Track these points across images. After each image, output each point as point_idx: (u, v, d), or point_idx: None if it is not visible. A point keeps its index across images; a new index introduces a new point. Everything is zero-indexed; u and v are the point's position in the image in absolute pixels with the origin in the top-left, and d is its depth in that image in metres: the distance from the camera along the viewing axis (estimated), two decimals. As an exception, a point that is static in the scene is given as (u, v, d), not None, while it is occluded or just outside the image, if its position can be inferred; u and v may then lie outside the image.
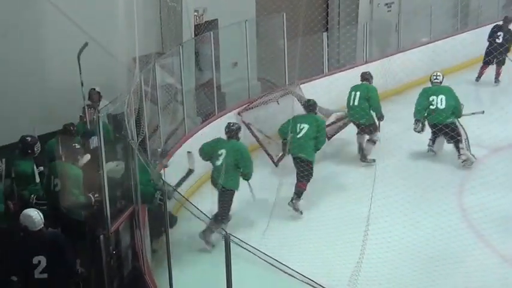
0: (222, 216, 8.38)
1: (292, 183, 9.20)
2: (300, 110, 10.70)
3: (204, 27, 12.06)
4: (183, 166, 8.84)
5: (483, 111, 10.44)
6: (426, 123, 10.46)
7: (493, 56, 13.34)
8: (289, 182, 9.16)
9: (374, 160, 10.26)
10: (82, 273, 6.43)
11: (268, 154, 10.44)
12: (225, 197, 8.42)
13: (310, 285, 3.95)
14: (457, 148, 10.21)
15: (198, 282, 7.21)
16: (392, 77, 11.13)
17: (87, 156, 7.89)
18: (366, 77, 10.89)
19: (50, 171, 7.77)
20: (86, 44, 9.44)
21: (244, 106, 11.25)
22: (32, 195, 7.47)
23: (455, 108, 10.26)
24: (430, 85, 10.69)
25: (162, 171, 8.09)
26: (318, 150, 9.56)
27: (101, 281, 6.79)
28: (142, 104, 8.31)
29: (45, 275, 5.95)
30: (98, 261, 6.81)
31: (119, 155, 8.10)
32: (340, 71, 13.09)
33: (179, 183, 8.39)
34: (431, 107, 10.34)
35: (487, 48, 13.81)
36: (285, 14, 11.89)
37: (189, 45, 11.25)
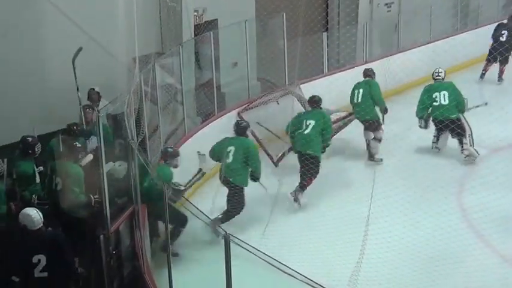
0: (233, 212, 8.51)
1: (292, 183, 9.20)
2: (299, 109, 10.72)
3: (204, 27, 12.06)
4: (183, 166, 8.84)
5: (486, 103, 10.50)
6: (430, 119, 10.53)
7: (497, 52, 13.34)
8: (289, 182, 9.17)
9: (381, 159, 10.36)
10: (82, 273, 6.44)
11: (268, 154, 10.44)
12: (235, 194, 8.53)
13: (310, 285, 3.95)
14: (461, 143, 10.26)
15: (198, 282, 7.20)
16: (392, 77, 11.16)
17: (90, 156, 7.90)
18: (368, 73, 10.96)
19: (51, 170, 7.78)
20: (80, 49, 9.46)
21: (244, 106, 11.25)
22: (34, 196, 7.48)
23: (459, 103, 10.32)
24: (432, 82, 10.74)
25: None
26: (327, 147, 9.63)
27: (101, 281, 6.80)
28: (142, 104, 8.31)
29: (45, 274, 5.96)
30: (98, 261, 6.81)
31: (118, 156, 8.10)
32: (340, 71, 13.08)
33: (190, 184, 8.46)
34: (434, 103, 10.42)
35: (491, 46, 13.82)
36: (284, 14, 11.90)
37: (189, 45, 11.25)
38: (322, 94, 10.46)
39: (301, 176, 9.36)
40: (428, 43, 14.53)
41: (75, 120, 9.30)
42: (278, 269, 4.18)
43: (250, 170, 8.67)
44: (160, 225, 7.59)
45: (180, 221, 7.49)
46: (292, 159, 9.85)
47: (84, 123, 9.20)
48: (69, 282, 6.28)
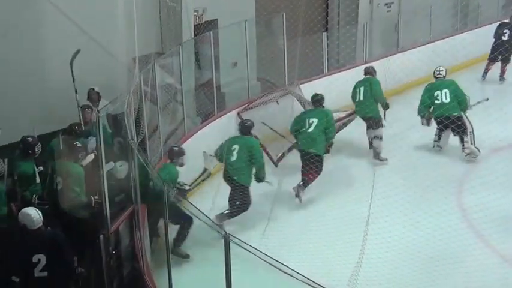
0: (240, 209, 8.58)
1: (292, 183, 9.20)
2: (299, 109, 10.72)
3: (204, 27, 12.06)
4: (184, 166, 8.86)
5: (487, 99, 10.54)
6: (433, 117, 10.59)
7: (498, 52, 13.40)
8: (289, 181, 9.17)
9: (387, 159, 10.39)
10: (82, 273, 6.43)
11: (268, 154, 10.43)
12: (240, 193, 8.59)
13: (310, 285, 3.94)
14: (462, 141, 10.31)
15: (198, 282, 7.20)
16: (392, 77, 11.15)
17: (91, 156, 7.90)
18: (369, 71, 11.03)
19: (52, 170, 7.78)
20: (78, 51, 9.47)
21: (244, 106, 11.25)
22: (34, 196, 7.48)
23: (461, 101, 10.37)
24: (434, 81, 10.80)
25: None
26: (331, 145, 9.68)
27: (101, 281, 6.79)
28: (142, 104, 8.31)
29: (45, 273, 5.96)
30: (98, 261, 6.81)
31: (118, 156, 8.10)
32: (339, 71, 13.08)
33: (195, 184, 8.52)
34: (436, 101, 10.47)
35: (493, 45, 13.84)
36: (284, 14, 11.89)
37: (188, 45, 11.25)
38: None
39: (302, 173, 9.38)
40: (428, 43, 14.53)
41: (75, 120, 9.30)
42: (278, 269, 4.17)
43: (253, 169, 8.71)
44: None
45: (186, 222, 7.51)
46: (292, 159, 9.86)
47: (82, 123, 9.20)
48: (69, 282, 6.28)
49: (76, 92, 9.54)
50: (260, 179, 8.81)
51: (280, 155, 10.13)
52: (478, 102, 10.57)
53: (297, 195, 9.21)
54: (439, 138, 10.73)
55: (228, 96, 12.14)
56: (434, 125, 10.69)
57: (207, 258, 7.78)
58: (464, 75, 13.84)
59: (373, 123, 10.52)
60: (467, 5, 16.38)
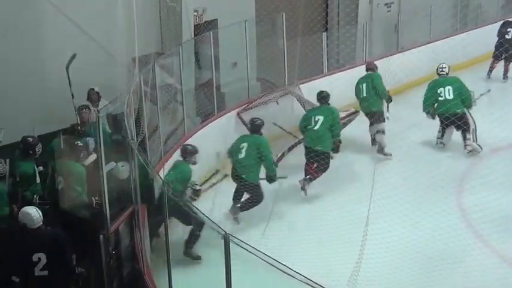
0: (254, 203, 8.70)
1: (292, 183, 9.21)
2: (299, 109, 10.73)
3: (204, 27, 12.05)
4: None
5: (489, 90, 10.58)
6: (436, 114, 10.69)
7: (500, 50, 13.50)
8: (289, 181, 9.18)
9: (391, 154, 10.48)
10: (82, 273, 6.44)
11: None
12: (249, 191, 8.69)
13: (310, 285, 3.95)
14: (464, 138, 10.39)
15: (198, 282, 7.21)
16: (392, 77, 11.15)
17: (93, 156, 7.90)
18: (371, 67, 11.15)
19: (53, 170, 7.79)
20: (74, 56, 9.49)
21: (244, 106, 11.25)
22: (35, 196, 7.49)
23: (465, 98, 10.46)
24: (436, 78, 10.89)
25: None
26: (340, 144, 9.74)
27: (101, 281, 6.80)
28: (142, 104, 8.31)
29: (45, 272, 5.96)
30: (98, 261, 6.82)
31: (117, 156, 8.10)
32: (339, 71, 13.08)
33: (209, 184, 8.65)
34: (440, 98, 10.58)
35: (496, 43, 13.91)
36: (284, 14, 11.89)
37: (188, 46, 11.25)
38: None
39: (307, 171, 9.47)
40: (428, 43, 14.53)
41: (75, 120, 9.31)
42: (278, 269, 4.18)
43: (261, 167, 8.78)
44: (180, 226, 7.62)
45: (198, 223, 7.53)
46: (292, 159, 9.87)
47: (80, 124, 9.19)
48: (69, 282, 6.28)
49: (73, 96, 9.55)
50: (271, 178, 8.85)
51: (280, 155, 10.14)
52: (481, 95, 10.72)
53: (303, 189, 9.33)
54: (442, 135, 10.80)
55: (228, 96, 12.13)
56: (435, 122, 10.72)
57: (207, 258, 7.81)
58: (465, 75, 13.76)
59: (377, 117, 10.65)
60: (467, 5, 16.38)
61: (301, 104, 11.28)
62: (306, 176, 9.45)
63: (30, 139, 7.79)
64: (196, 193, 8.12)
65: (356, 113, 10.93)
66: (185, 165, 8.10)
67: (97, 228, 6.81)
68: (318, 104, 10.19)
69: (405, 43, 14.46)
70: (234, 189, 8.90)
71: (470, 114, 10.44)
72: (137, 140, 7.55)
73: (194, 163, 8.22)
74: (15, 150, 7.91)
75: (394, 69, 11.14)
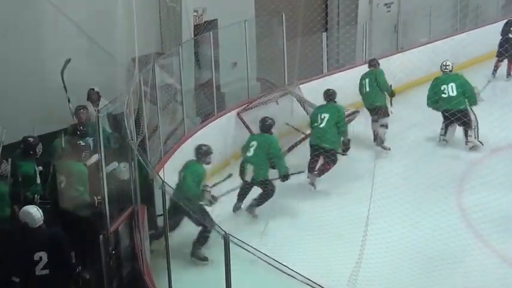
0: (267, 197, 8.83)
1: (293, 183, 9.21)
2: (299, 110, 10.72)
3: (204, 28, 12.05)
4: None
5: (489, 81, 10.67)
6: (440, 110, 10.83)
7: (505, 47, 13.57)
8: (289, 181, 9.17)
9: (389, 149, 10.63)
10: (82, 273, 6.43)
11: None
12: (260, 186, 8.84)
13: (309, 285, 3.95)
14: (466, 134, 10.56)
15: (198, 282, 7.21)
16: (391, 77, 11.16)
17: (96, 156, 7.89)
18: (373, 63, 11.32)
19: (54, 169, 7.79)
20: (69, 60, 9.49)
21: (244, 106, 11.25)
22: (36, 196, 7.48)
23: (470, 95, 10.57)
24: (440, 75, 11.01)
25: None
26: (348, 144, 9.82)
27: (100, 281, 6.79)
28: (141, 104, 8.30)
29: (46, 271, 5.96)
30: (97, 261, 6.82)
31: (116, 155, 8.11)
32: (339, 71, 13.09)
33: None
34: (443, 95, 10.68)
35: (500, 42, 13.95)
36: (284, 14, 11.89)
37: (188, 46, 11.25)
38: (321, 94, 10.47)
39: (309, 168, 9.57)
40: (427, 43, 14.53)
41: (72, 121, 9.31)
42: (278, 269, 4.18)
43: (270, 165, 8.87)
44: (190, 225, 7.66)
45: (208, 224, 7.54)
46: (292, 159, 9.85)
47: (77, 124, 9.18)
48: (69, 282, 6.27)
49: (69, 101, 9.55)
50: (285, 176, 8.93)
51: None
52: (484, 87, 10.77)
53: (311, 183, 9.53)
54: (445, 132, 10.84)
55: (228, 97, 12.13)
56: (435, 123, 10.74)
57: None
58: (465, 75, 13.85)
59: (381, 112, 10.76)
60: (466, 6, 16.38)
61: (301, 104, 11.28)
62: (309, 171, 9.58)
63: (31, 139, 7.78)
64: (215, 198, 8.16)
65: (356, 113, 10.93)
66: (199, 165, 8.10)
67: (97, 228, 6.81)
68: (317, 104, 10.21)
69: (405, 43, 14.47)
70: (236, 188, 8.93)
71: (472, 111, 10.55)
72: (137, 140, 7.55)
73: (208, 163, 8.24)
74: (15, 150, 7.91)
75: (394, 69, 11.16)
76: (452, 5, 15.83)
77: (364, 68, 11.65)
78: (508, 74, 14.00)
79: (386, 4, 16.22)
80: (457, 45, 13.23)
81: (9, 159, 7.68)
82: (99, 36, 10.15)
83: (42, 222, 6.04)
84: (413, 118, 11.06)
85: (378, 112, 10.78)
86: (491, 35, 14.34)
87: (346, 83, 11.09)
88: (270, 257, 4.22)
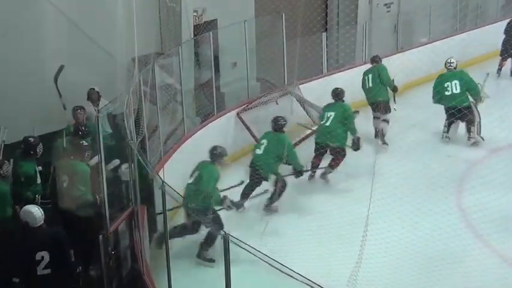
0: (281, 191, 8.97)
1: (293, 183, 9.21)
2: (298, 110, 10.72)
3: (203, 28, 12.05)
4: (183, 165, 8.85)
5: (488, 74, 11.00)
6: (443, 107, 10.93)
7: (506, 48, 13.72)
8: (288, 181, 9.18)
9: (387, 144, 10.85)
10: (80, 273, 6.43)
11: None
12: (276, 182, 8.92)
13: (309, 285, 3.95)
14: (468, 130, 10.71)
15: (197, 282, 7.21)
16: (391, 77, 11.17)
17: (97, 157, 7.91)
18: (376, 59, 11.44)
19: (54, 169, 7.79)
20: (62, 67, 9.51)
21: (243, 106, 11.25)
22: (37, 196, 7.49)
23: (474, 93, 10.69)
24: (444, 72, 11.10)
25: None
26: (359, 140, 9.85)
27: (100, 281, 6.79)
28: (141, 104, 8.31)
29: (48, 271, 5.96)
30: (97, 261, 6.82)
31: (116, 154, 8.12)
32: (339, 71, 13.09)
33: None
34: (446, 92, 10.77)
35: (503, 41, 14.05)
36: (284, 14, 11.89)
37: (188, 46, 11.25)
38: (321, 94, 10.50)
39: (312, 164, 9.74)
40: (427, 43, 14.53)
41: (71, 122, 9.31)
42: (277, 269, 4.18)
43: (279, 163, 8.97)
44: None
45: (217, 226, 7.59)
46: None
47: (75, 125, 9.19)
48: (70, 280, 6.27)
49: (64, 108, 9.55)
50: (299, 172, 9.19)
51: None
52: (485, 81, 10.87)
53: (323, 178, 9.80)
54: (448, 130, 10.89)
55: (228, 97, 12.14)
56: (435, 122, 10.77)
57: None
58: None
59: (383, 107, 10.86)
60: (466, 6, 16.38)
61: (300, 104, 11.29)
62: (312, 169, 9.72)
63: (32, 139, 7.79)
64: (234, 204, 8.24)
65: (356, 113, 10.93)
66: (213, 167, 8.09)
67: (98, 228, 6.81)
68: (317, 104, 10.23)
69: (405, 43, 14.47)
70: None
71: (476, 107, 10.66)
72: (137, 140, 7.55)
73: (222, 165, 8.26)
74: (15, 150, 7.91)
75: (393, 69, 11.21)
76: (452, 5, 15.83)
77: (364, 68, 11.66)
78: None
79: (386, 4, 16.23)
80: (457, 46, 13.23)
81: (11, 160, 7.68)
82: (99, 36, 10.14)
83: (43, 221, 6.05)
84: (413, 118, 11.06)
85: (379, 107, 10.81)
86: (491, 35, 14.35)
87: (346, 83, 11.07)
88: (270, 257, 4.22)
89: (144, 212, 7.24)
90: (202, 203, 7.69)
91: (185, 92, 10.31)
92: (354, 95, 11.16)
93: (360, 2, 15.63)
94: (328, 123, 9.78)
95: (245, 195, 8.93)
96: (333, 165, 9.80)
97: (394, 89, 11.18)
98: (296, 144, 10.32)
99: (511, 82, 13.87)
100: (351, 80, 11.22)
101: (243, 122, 10.90)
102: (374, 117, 11.07)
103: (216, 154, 8.17)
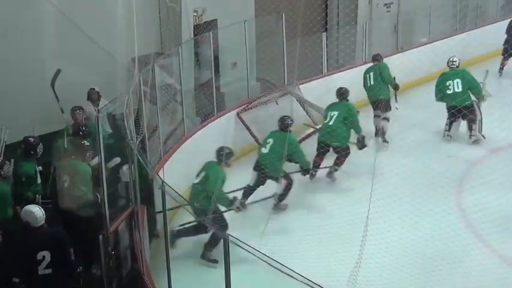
0: (289, 187, 9.03)
1: (293, 184, 9.22)
2: (298, 110, 10.72)
3: (203, 28, 12.06)
4: (182, 165, 8.86)
5: (487, 70, 10.95)
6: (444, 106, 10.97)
7: (508, 46, 13.78)
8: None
9: (388, 142, 10.88)
10: (80, 273, 6.44)
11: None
12: (278, 180, 8.93)
13: (309, 285, 3.95)
14: (470, 128, 10.77)
15: (197, 282, 7.21)
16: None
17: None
18: (377, 58, 11.49)
19: (56, 169, 7.80)
20: (59, 71, 9.50)
21: (243, 106, 11.26)
22: (37, 196, 7.49)
23: (476, 91, 10.70)
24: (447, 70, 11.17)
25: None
26: (364, 138, 9.88)
27: (100, 281, 6.80)
28: (141, 104, 8.31)
29: (49, 271, 5.96)
30: (97, 261, 6.82)
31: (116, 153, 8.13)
32: (339, 71, 13.10)
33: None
34: (448, 91, 10.82)
35: (505, 40, 14.09)
36: (284, 14, 11.90)
37: (188, 46, 11.25)
38: (321, 94, 10.51)
39: (314, 163, 9.75)
40: (427, 43, 14.53)
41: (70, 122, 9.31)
42: (277, 269, 4.18)
43: (283, 162, 8.96)
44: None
45: (221, 227, 7.59)
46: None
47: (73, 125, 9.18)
48: (70, 280, 6.28)
49: (62, 111, 9.55)
50: (306, 170, 9.33)
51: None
52: (485, 78, 10.85)
53: (330, 175, 9.86)
54: (450, 128, 10.90)
55: (228, 97, 12.14)
56: (435, 122, 10.78)
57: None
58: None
59: (384, 105, 10.90)
60: (466, 6, 16.38)
61: (300, 104, 11.29)
62: (313, 168, 9.75)
63: (32, 139, 7.79)
64: (243, 205, 8.31)
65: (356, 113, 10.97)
66: (219, 167, 8.11)
67: (98, 228, 6.82)
68: (316, 104, 10.23)
69: (405, 43, 14.47)
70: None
71: (478, 106, 10.70)
72: (137, 140, 7.55)
73: (229, 166, 8.29)
74: (15, 150, 7.92)
75: (393, 69, 11.22)
76: (452, 5, 15.83)
77: (364, 68, 11.67)
78: None
79: (386, 4, 16.23)
80: (456, 46, 13.23)
81: (12, 160, 7.68)
82: (99, 36, 10.14)
83: (44, 221, 6.05)
84: (413, 118, 11.06)
85: (380, 106, 10.82)
86: (491, 35, 14.35)
87: (346, 83, 11.07)
88: (270, 257, 4.22)
89: (144, 212, 7.24)
90: (208, 203, 7.70)
91: (185, 92, 10.31)
92: (354, 94, 11.14)
93: (360, 2, 15.64)
94: (331, 123, 9.82)
95: (247, 193, 8.93)
96: (338, 164, 9.85)
97: (396, 87, 11.22)
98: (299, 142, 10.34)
99: (510, 83, 13.84)
100: (350, 80, 11.22)
101: (243, 122, 10.90)
102: (374, 116, 11.09)
103: (223, 155, 8.18)
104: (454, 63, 11.15)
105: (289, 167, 9.20)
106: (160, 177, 6.11)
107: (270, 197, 9.00)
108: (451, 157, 10.42)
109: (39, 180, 7.82)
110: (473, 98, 10.79)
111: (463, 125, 10.95)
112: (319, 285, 3.94)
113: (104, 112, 8.31)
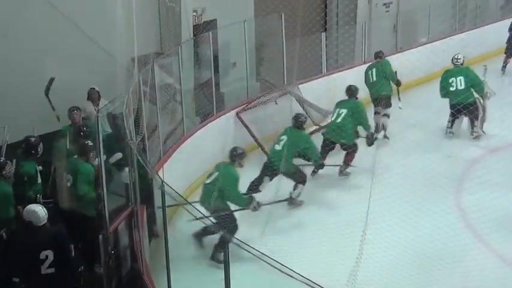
0: (302, 182, 9.14)
1: (290, 184, 9.22)
2: (298, 110, 10.71)
3: (203, 28, 12.06)
4: (183, 165, 8.87)
5: (485, 66, 10.95)
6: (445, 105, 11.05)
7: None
8: (286, 181, 9.18)
9: (389, 138, 11.04)
10: (81, 272, 6.45)
11: (266, 154, 10.46)
12: (290, 176, 9.06)
13: (309, 285, 3.96)
14: (472, 125, 10.84)
15: (197, 282, 7.21)
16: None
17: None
18: (379, 55, 11.62)
19: (58, 168, 7.81)
20: (53, 79, 9.52)
21: (243, 106, 11.26)
22: (38, 195, 7.50)
23: (478, 88, 10.73)
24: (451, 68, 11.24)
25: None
26: (373, 136, 10.04)
27: (100, 281, 6.81)
28: (141, 104, 8.31)
29: (52, 270, 5.98)
30: (97, 260, 6.84)
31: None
32: (338, 71, 13.09)
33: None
34: (451, 88, 10.87)
35: (508, 38, 14.22)
36: (283, 14, 11.91)
37: (188, 46, 11.26)
38: (320, 94, 10.51)
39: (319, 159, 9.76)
40: (426, 43, 14.54)
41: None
42: (277, 269, 4.19)
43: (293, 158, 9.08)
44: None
45: (232, 227, 7.60)
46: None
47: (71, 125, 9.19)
48: (72, 280, 6.29)
49: (58, 119, 9.56)
50: (320, 165, 9.51)
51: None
52: (484, 76, 10.89)
53: (341, 171, 9.98)
54: (452, 125, 10.93)
55: (227, 96, 12.15)
56: (435, 123, 10.80)
57: (206, 257, 7.80)
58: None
59: (385, 102, 10.99)
60: (465, 6, 16.40)
61: (300, 104, 11.29)
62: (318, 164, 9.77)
63: (33, 139, 7.81)
64: (259, 205, 8.24)
65: None
66: (232, 167, 8.11)
67: (99, 227, 6.83)
68: (316, 104, 10.24)
69: (404, 43, 14.47)
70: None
71: (480, 102, 10.75)
72: (136, 140, 7.56)
73: (241, 166, 8.27)
74: (16, 150, 7.93)
75: (393, 69, 11.22)
76: (451, 5, 15.85)
77: (364, 68, 11.68)
78: None
79: (385, 4, 16.25)
80: (456, 45, 13.24)
81: (14, 160, 7.69)
82: (98, 36, 10.15)
83: (46, 220, 6.06)
84: (413, 118, 11.07)
85: (381, 102, 10.86)
86: (490, 35, 14.37)
87: (345, 83, 11.08)
88: (270, 257, 4.22)
89: (144, 211, 7.25)
90: (221, 203, 7.71)
91: (185, 92, 10.31)
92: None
93: (359, 1, 15.65)
94: (339, 120, 9.86)
95: (254, 188, 8.95)
96: (346, 161, 9.92)
97: (398, 83, 11.28)
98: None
99: (510, 83, 13.87)
100: (350, 80, 11.19)
101: (242, 121, 10.90)
102: (375, 113, 11.12)
103: (236, 155, 8.19)
104: (458, 60, 11.20)
105: (299, 162, 9.30)
106: (159, 177, 6.11)
107: (285, 200, 9.03)
108: (450, 157, 10.43)
109: (39, 180, 7.83)
110: (476, 95, 10.81)
111: (465, 121, 10.97)
112: (319, 285, 3.95)
113: (103, 112, 8.32)
